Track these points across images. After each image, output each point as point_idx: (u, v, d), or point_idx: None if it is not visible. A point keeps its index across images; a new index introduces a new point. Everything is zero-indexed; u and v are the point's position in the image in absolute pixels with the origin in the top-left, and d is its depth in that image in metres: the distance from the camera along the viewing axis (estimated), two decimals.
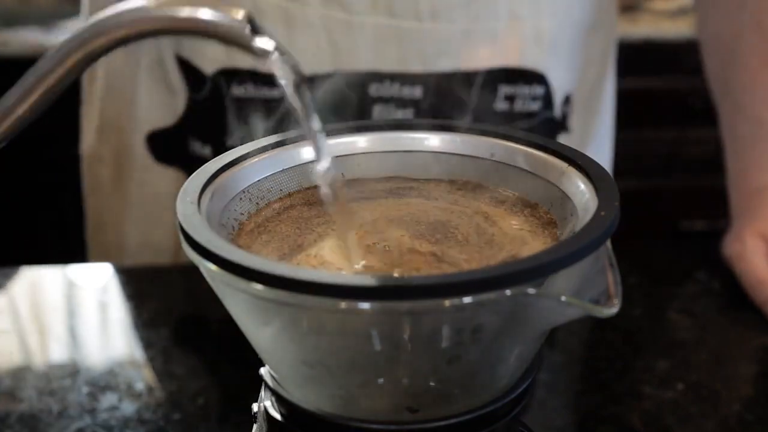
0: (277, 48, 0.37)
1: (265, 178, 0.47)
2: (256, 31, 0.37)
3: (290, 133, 0.49)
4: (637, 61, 1.83)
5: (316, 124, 0.40)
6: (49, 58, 0.38)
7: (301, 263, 0.41)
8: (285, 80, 0.38)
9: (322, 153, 0.40)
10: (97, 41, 0.37)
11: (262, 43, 0.37)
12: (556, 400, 0.69)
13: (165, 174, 0.90)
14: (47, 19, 1.98)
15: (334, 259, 0.41)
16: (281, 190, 0.48)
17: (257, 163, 0.47)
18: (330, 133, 0.49)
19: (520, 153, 0.48)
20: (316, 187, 0.48)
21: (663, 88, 2.01)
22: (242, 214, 0.46)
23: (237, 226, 0.45)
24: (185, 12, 0.37)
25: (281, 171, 0.48)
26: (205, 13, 0.37)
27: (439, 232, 0.44)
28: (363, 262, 0.41)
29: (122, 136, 0.93)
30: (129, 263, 0.93)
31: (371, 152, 0.50)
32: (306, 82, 0.38)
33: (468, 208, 0.47)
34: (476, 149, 0.49)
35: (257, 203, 0.47)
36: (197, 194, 0.42)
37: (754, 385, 0.71)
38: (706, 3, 0.89)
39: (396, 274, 0.40)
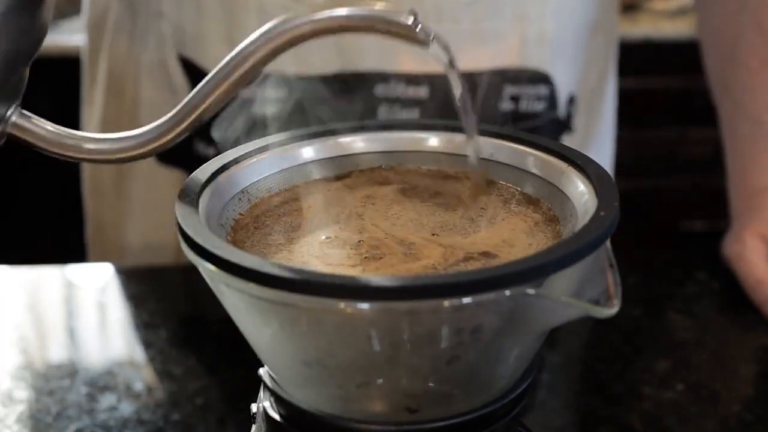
0: (434, 37, 0.44)
1: (265, 178, 0.47)
2: (418, 23, 0.43)
3: (290, 134, 0.49)
4: (637, 61, 1.83)
5: (466, 95, 0.46)
6: (239, 53, 0.43)
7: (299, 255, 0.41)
8: (444, 61, 0.46)
9: (470, 119, 0.46)
10: (282, 38, 0.43)
11: (424, 33, 0.44)
12: (555, 400, 0.69)
13: (167, 175, 0.90)
14: None
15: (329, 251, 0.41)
16: (279, 189, 0.48)
17: (256, 163, 0.47)
18: (331, 133, 0.50)
19: (519, 153, 0.48)
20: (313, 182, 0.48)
21: (663, 88, 2.01)
22: (241, 214, 0.45)
23: (233, 224, 0.45)
24: (360, 11, 0.42)
25: (281, 171, 0.48)
26: (376, 11, 0.42)
27: (443, 224, 0.44)
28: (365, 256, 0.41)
29: None
30: (130, 264, 0.93)
31: (371, 152, 0.50)
32: (455, 62, 0.46)
33: (472, 201, 0.47)
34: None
35: (253, 201, 0.47)
36: (196, 194, 0.42)
37: (754, 385, 0.71)
38: (706, 3, 0.89)
39: (396, 272, 0.40)
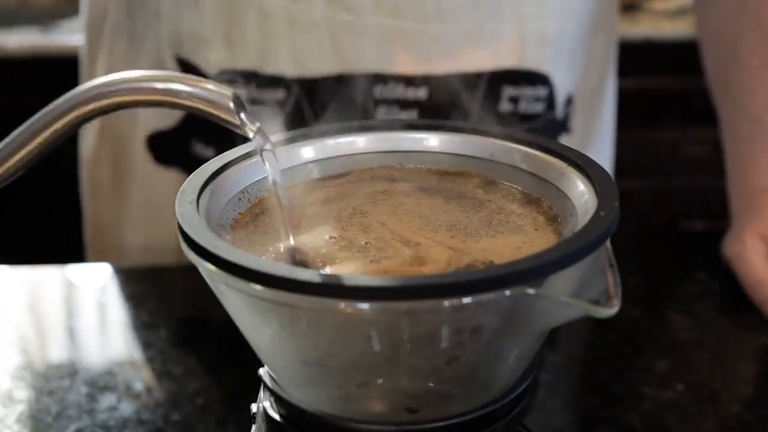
0: (259, 128, 0.42)
1: (264, 178, 0.47)
2: (240, 107, 0.41)
3: (289, 134, 0.49)
4: (637, 61, 1.83)
5: (283, 191, 0.43)
6: (42, 117, 0.40)
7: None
8: (266, 159, 0.43)
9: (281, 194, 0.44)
10: (91, 105, 0.40)
11: (248, 121, 0.41)
12: (555, 400, 0.69)
13: (165, 176, 0.90)
14: (45, 19, 1.98)
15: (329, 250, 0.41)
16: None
17: (256, 163, 0.47)
18: (332, 133, 0.50)
19: (519, 153, 0.48)
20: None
21: (663, 88, 2.01)
22: (240, 213, 0.45)
23: (232, 223, 0.45)
24: (179, 86, 0.40)
25: (281, 171, 0.48)
26: (199, 89, 0.40)
27: (445, 222, 0.44)
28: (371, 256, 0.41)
29: (122, 138, 0.92)
30: (129, 264, 0.93)
31: (371, 152, 0.50)
32: (275, 153, 0.43)
33: (474, 199, 0.47)
34: (476, 149, 0.49)
35: (253, 201, 0.46)
36: (196, 194, 0.42)
37: (754, 385, 0.71)
38: (705, 3, 0.89)
39: (395, 272, 0.40)
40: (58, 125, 0.40)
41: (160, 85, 0.40)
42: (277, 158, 0.43)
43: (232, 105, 0.40)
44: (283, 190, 0.43)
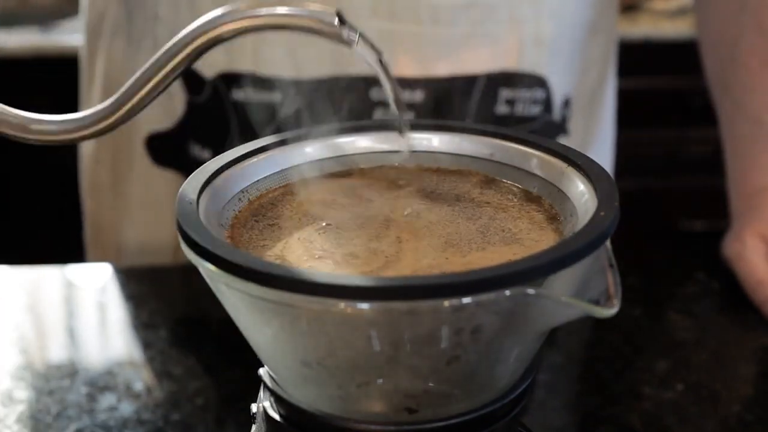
0: (360, 35, 0.45)
1: (264, 178, 0.47)
2: (343, 22, 0.44)
3: (289, 134, 0.49)
4: (637, 61, 1.83)
5: (397, 87, 0.47)
6: (168, 50, 0.44)
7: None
8: (370, 59, 0.46)
9: (402, 107, 0.48)
10: (209, 34, 0.44)
11: (349, 33, 0.44)
12: (555, 400, 0.69)
13: (165, 176, 0.90)
14: (46, 19, 1.98)
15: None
16: (278, 186, 0.48)
17: (256, 163, 0.47)
18: (331, 133, 0.50)
19: (519, 153, 0.48)
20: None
21: (663, 88, 2.01)
22: (239, 211, 0.45)
23: (231, 221, 0.45)
24: (284, 10, 0.44)
25: (280, 171, 0.48)
26: (302, 11, 0.44)
27: (446, 223, 0.44)
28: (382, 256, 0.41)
29: (121, 139, 0.92)
30: (129, 264, 0.93)
31: (371, 152, 0.50)
32: (383, 59, 0.46)
33: (474, 199, 0.47)
34: (476, 149, 0.49)
35: (251, 199, 0.47)
36: (196, 194, 0.42)
37: (754, 385, 0.71)
38: (706, 3, 0.89)
39: (396, 273, 0.40)
40: (180, 56, 0.45)
41: (267, 11, 0.44)
42: (387, 71, 0.46)
43: (336, 20, 0.43)
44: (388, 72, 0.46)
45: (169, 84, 0.45)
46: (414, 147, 0.49)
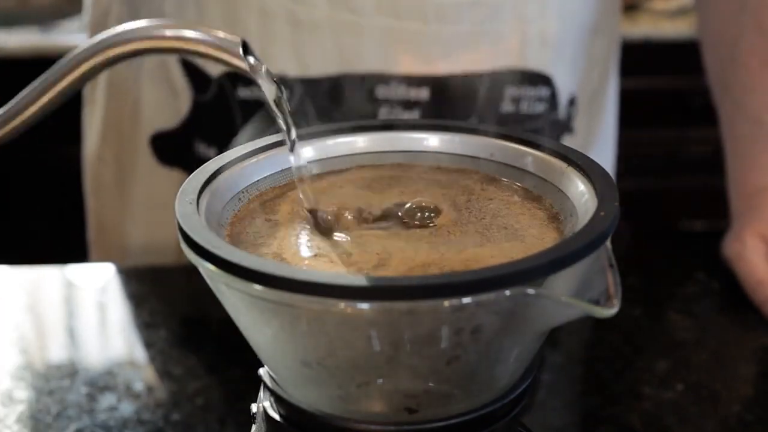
0: (266, 71, 0.43)
1: (265, 178, 0.47)
2: (247, 52, 0.42)
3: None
4: (637, 61, 1.83)
5: (292, 131, 0.45)
6: (60, 67, 0.42)
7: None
8: (268, 94, 0.44)
9: (298, 158, 0.46)
10: (106, 53, 0.42)
11: (253, 61, 0.43)
12: (555, 400, 0.69)
13: (169, 175, 0.90)
14: (46, 20, 1.97)
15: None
16: (277, 185, 0.48)
17: (256, 163, 0.47)
18: (331, 133, 0.50)
19: (519, 153, 0.48)
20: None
21: (663, 88, 2.01)
22: (238, 210, 0.45)
23: (230, 220, 0.45)
24: (191, 34, 0.42)
25: (280, 171, 0.48)
26: (206, 35, 0.42)
27: (446, 220, 0.44)
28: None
29: (125, 138, 0.93)
30: (131, 264, 0.93)
31: (371, 152, 0.50)
32: (283, 96, 0.44)
33: (475, 197, 0.47)
34: (476, 149, 0.49)
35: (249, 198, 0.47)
36: (196, 194, 0.42)
37: (754, 385, 0.71)
38: (706, 3, 0.89)
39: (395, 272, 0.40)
40: (75, 74, 0.42)
41: (170, 32, 0.42)
42: (287, 107, 0.44)
43: (240, 50, 0.42)
44: (293, 130, 0.45)
45: (62, 102, 0.43)
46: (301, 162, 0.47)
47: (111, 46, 0.42)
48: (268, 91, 0.43)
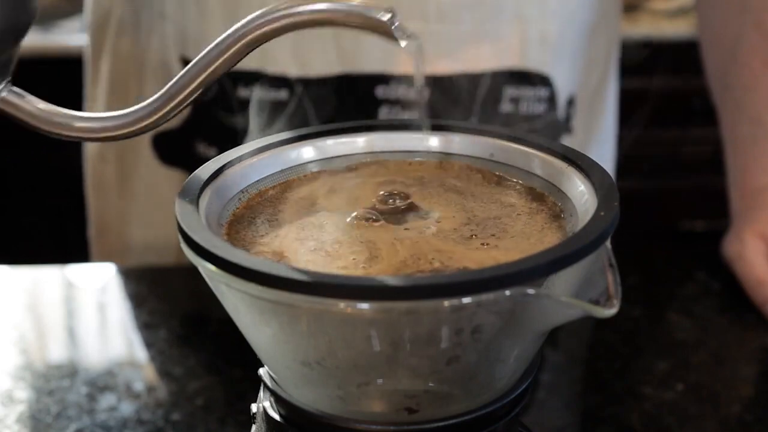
0: (411, 35, 0.44)
1: (265, 178, 0.47)
2: (394, 21, 0.43)
3: (290, 134, 0.49)
4: (637, 61, 1.83)
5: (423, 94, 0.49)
6: (221, 42, 0.44)
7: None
8: (415, 60, 0.46)
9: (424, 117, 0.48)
10: (267, 27, 0.44)
11: (400, 31, 0.44)
12: (555, 400, 0.69)
13: (170, 175, 0.90)
14: (46, 20, 1.97)
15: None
16: (276, 183, 0.48)
17: (256, 163, 0.47)
18: (332, 133, 0.50)
19: (519, 153, 0.48)
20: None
21: (663, 88, 2.01)
22: (237, 208, 0.45)
23: (229, 218, 0.45)
24: (339, 6, 0.43)
25: (280, 171, 0.48)
26: (355, 7, 0.43)
27: (446, 219, 0.44)
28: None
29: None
30: (133, 264, 0.93)
31: (371, 152, 0.50)
32: (422, 64, 0.47)
33: (476, 195, 0.46)
34: (476, 149, 0.49)
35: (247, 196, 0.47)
36: (196, 194, 0.42)
37: (754, 385, 0.71)
38: (706, 3, 0.89)
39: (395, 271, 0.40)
40: (226, 56, 0.44)
41: (318, 6, 0.43)
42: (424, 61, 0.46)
43: (386, 17, 0.43)
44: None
45: (211, 85, 0.45)
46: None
47: (263, 24, 0.44)
48: (417, 58, 0.46)
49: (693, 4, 0.94)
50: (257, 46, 0.44)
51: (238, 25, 0.44)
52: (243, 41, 0.44)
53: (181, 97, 0.45)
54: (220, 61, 0.44)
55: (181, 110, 0.46)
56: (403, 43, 0.44)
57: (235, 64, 0.45)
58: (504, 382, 0.41)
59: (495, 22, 0.83)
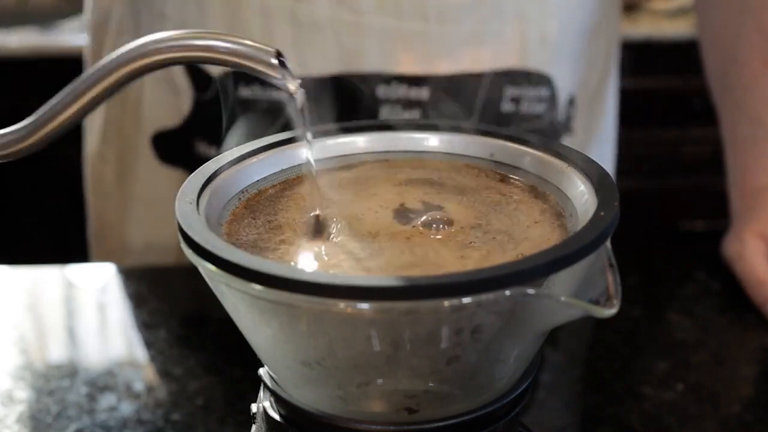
0: (300, 84, 0.44)
1: (264, 178, 0.47)
2: (283, 65, 0.42)
3: (289, 134, 0.49)
4: (637, 61, 1.83)
5: (310, 136, 0.46)
6: (90, 75, 0.42)
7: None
8: (298, 102, 0.44)
9: (312, 164, 0.46)
10: (136, 63, 0.41)
11: (288, 77, 0.43)
12: (555, 400, 0.69)
13: (170, 174, 0.90)
14: (46, 20, 1.97)
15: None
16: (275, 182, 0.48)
17: (256, 163, 0.47)
18: (333, 133, 0.50)
19: (519, 153, 0.48)
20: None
21: (663, 88, 2.01)
22: (236, 206, 0.45)
23: (229, 217, 0.45)
24: (224, 44, 0.41)
25: (280, 171, 0.48)
26: (241, 45, 0.41)
27: (446, 217, 0.44)
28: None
29: (127, 137, 0.93)
30: (133, 264, 0.93)
31: (371, 152, 0.50)
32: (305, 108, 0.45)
33: (477, 195, 0.46)
34: (476, 149, 0.49)
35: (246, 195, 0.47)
36: (196, 194, 0.42)
37: (754, 385, 0.71)
38: (706, 3, 0.89)
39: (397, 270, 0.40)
40: (105, 83, 0.42)
41: (201, 42, 0.41)
42: (307, 118, 0.45)
43: (274, 60, 0.42)
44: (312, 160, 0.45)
45: (90, 111, 0.42)
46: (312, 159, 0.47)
47: (141, 56, 0.41)
48: (299, 99, 0.44)
49: (693, 4, 0.94)
50: (139, 77, 0.42)
51: (121, 51, 0.42)
52: (124, 70, 0.42)
53: (54, 124, 0.42)
54: (99, 88, 0.42)
55: (57, 137, 0.43)
56: (291, 87, 0.43)
57: (113, 93, 0.42)
58: (504, 382, 0.41)
59: (495, 22, 0.83)
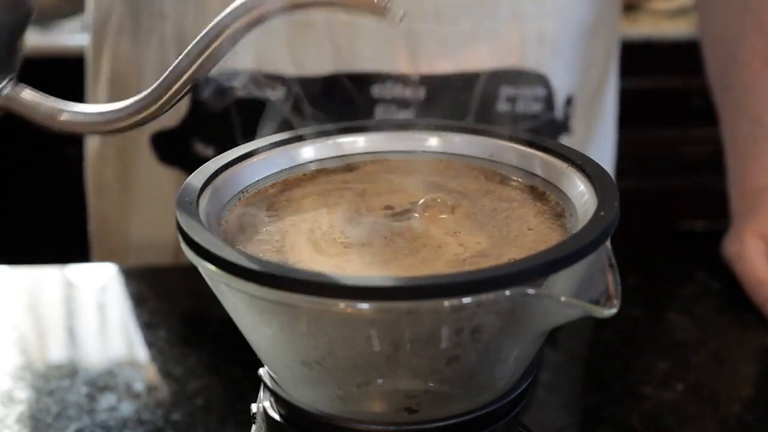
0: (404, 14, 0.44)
1: (264, 178, 0.47)
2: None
3: (289, 134, 0.49)
4: (637, 61, 1.83)
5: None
6: (217, 24, 0.43)
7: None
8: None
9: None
10: (257, 10, 0.43)
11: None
12: (555, 400, 0.69)
13: (170, 174, 0.90)
14: (46, 20, 1.97)
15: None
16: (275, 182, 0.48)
17: (256, 163, 0.47)
18: (331, 134, 0.50)
19: (519, 153, 0.48)
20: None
21: (663, 88, 2.01)
22: (236, 206, 0.45)
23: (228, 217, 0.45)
24: None
25: (280, 171, 0.48)
26: None
27: (446, 217, 0.44)
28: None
29: (127, 137, 0.93)
30: (133, 264, 0.93)
31: (371, 152, 0.50)
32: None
33: (476, 194, 0.46)
34: (475, 149, 0.49)
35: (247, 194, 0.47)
36: (196, 194, 0.42)
37: (754, 385, 0.71)
38: (707, 3, 0.89)
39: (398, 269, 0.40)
40: (221, 39, 0.43)
41: None
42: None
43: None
44: None
45: (211, 68, 0.44)
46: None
47: (258, 5, 0.42)
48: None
49: (693, 4, 0.94)
50: (250, 30, 0.43)
51: (234, 5, 0.43)
52: (237, 23, 0.43)
53: (176, 86, 0.44)
54: (215, 44, 0.43)
55: (179, 99, 0.45)
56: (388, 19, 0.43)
57: (231, 48, 0.44)
58: (504, 382, 0.41)
59: (492, 21, 0.83)
